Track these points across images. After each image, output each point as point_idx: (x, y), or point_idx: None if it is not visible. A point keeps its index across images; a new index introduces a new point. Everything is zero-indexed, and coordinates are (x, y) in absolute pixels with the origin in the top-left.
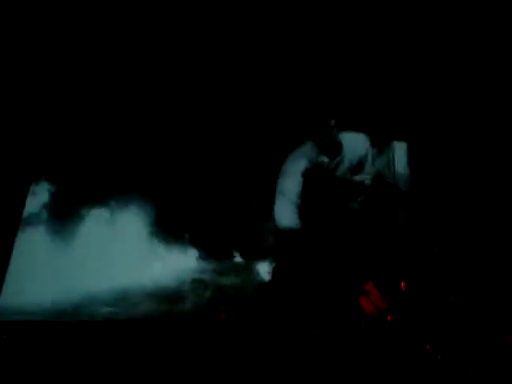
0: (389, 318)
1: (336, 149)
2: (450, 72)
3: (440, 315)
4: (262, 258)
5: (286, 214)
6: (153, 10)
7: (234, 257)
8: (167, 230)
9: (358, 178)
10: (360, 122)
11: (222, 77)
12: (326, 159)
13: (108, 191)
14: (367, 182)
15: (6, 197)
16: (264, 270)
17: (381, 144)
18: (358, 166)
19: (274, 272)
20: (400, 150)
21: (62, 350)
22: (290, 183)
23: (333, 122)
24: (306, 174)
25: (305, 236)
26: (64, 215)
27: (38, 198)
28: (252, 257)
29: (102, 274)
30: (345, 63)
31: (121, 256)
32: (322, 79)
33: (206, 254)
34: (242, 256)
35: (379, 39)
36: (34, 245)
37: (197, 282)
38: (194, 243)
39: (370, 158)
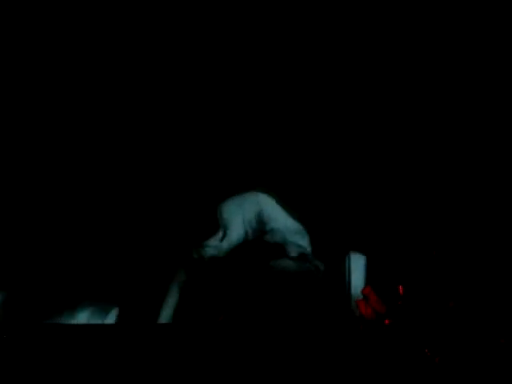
0: (387, 321)
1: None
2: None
3: (439, 319)
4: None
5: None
6: (153, 10)
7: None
8: None
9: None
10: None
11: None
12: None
13: None
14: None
15: None
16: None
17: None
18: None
19: (272, 276)
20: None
21: (61, 351)
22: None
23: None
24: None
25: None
26: None
27: None
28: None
29: None
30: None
31: None
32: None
33: None
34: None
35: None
36: None
37: None
38: None
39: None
